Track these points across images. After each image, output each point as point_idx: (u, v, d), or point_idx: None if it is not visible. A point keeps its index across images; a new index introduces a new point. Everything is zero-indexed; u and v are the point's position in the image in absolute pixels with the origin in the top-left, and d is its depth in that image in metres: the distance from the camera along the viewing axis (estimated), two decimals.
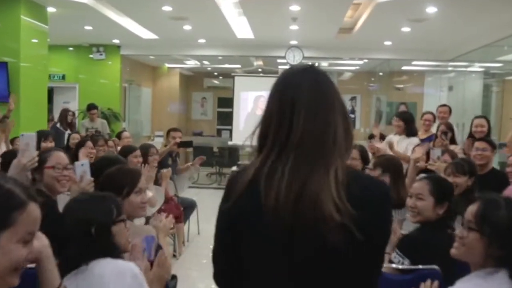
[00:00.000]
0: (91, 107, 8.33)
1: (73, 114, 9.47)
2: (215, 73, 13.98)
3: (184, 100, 13.80)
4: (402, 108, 12.68)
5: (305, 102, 1.18)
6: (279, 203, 1.13)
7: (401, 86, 11.23)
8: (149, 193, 4.39)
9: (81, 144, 4.76)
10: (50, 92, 11.13)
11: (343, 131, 1.19)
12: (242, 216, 1.20)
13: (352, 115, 12.80)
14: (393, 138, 5.59)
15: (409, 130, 5.55)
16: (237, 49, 10.54)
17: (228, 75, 11.08)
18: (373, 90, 11.18)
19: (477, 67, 10.45)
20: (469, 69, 10.52)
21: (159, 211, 4.93)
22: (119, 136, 6.31)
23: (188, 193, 7.20)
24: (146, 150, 4.91)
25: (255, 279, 1.23)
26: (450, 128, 5.35)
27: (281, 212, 1.12)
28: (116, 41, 10.23)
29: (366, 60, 11.46)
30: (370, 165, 3.61)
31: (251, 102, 10.35)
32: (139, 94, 12.03)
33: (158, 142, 8.46)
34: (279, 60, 11.20)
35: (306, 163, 1.15)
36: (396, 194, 3.06)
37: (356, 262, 1.13)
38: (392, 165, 3.31)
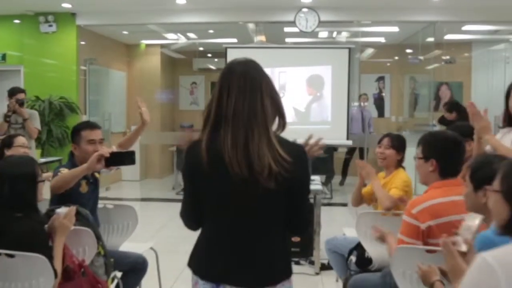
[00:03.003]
0: (15, 91, 5.83)
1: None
2: (209, 55, 11.31)
3: (169, 86, 11.11)
4: (444, 89, 10.15)
5: (235, 87, 1.62)
6: (231, 159, 1.58)
7: (451, 58, 8.47)
8: None
9: None
10: None
11: (271, 108, 1.64)
12: (205, 170, 1.62)
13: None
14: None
15: None
16: (230, 14, 7.95)
17: (222, 54, 8.49)
18: (415, 64, 8.41)
19: None
20: None
21: None
22: (9, 141, 3.77)
23: (161, 215, 4.64)
24: (11, 171, 2.34)
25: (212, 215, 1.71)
26: None
27: (233, 164, 1.58)
28: (67, 5, 7.61)
29: (397, 29, 8.79)
30: None
31: None
32: (107, 78, 9.42)
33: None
34: (286, 29, 8.58)
35: (242, 131, 1.59)
36: None
37: (282, 198, 1.65)
38: None
